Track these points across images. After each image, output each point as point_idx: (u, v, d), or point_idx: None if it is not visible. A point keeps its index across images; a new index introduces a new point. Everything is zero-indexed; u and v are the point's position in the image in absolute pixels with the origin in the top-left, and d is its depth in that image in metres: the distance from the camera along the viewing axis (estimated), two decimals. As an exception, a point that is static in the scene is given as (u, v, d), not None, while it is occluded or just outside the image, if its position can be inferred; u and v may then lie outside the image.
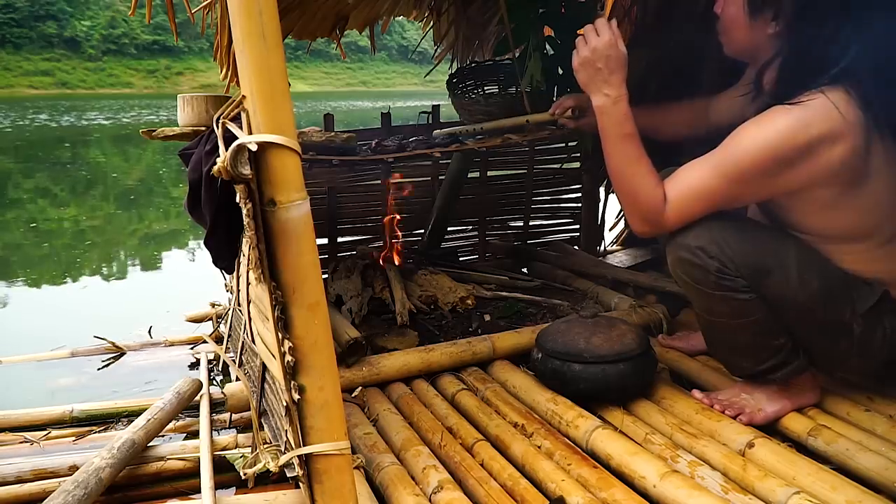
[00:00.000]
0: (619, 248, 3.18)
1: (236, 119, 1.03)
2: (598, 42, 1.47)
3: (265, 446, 1.30)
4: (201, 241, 1.49)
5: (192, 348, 2.36)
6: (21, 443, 1.69)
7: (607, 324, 1.69)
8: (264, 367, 1.36)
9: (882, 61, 1.32)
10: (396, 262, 2.50)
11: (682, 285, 1.51)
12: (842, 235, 1.42)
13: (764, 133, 1.32)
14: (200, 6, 1.69)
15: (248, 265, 1.11)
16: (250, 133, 0.96)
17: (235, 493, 1.47)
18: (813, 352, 1.52)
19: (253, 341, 1.47)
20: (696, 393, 1.63)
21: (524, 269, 2.81)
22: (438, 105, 2.67)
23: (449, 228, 2.90)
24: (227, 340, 2.08)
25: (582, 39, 1.50)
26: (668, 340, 1.94)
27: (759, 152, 1.32)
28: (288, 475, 1.19)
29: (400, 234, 2.63)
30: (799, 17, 1.38)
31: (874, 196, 1.38)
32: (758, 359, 1.51)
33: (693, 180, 1.41)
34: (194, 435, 1.69)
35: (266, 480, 1.44)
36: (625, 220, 1.49)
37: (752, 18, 1.43)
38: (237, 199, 0.96)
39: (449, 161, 2.73)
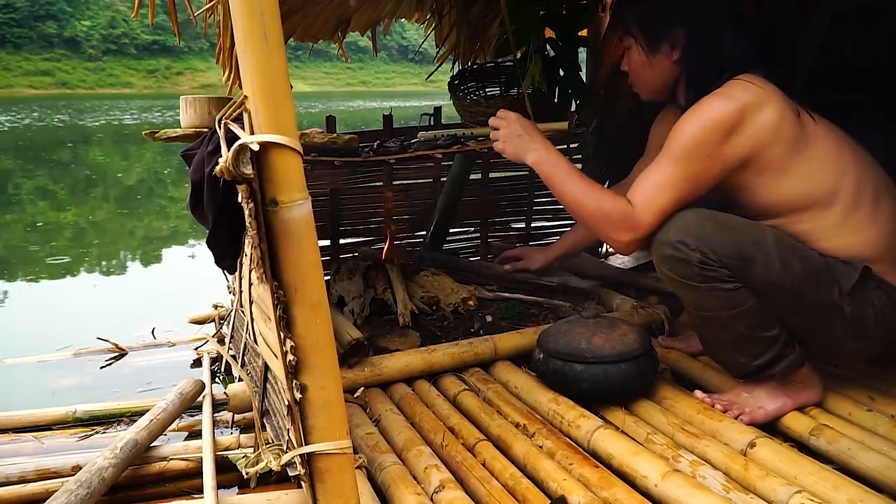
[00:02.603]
0: (620, 248, 3.17)
1: (238, 120, 1.03)
2: (509, 118, 1.67)
3: (267, 446, 1.30)
4: (204, 242, 1.50)
5: (194, 349, 2.37)
6: (24, 443, 1.69)
7: (609, 324, 1.69)
8: (266, 367, 1.37)
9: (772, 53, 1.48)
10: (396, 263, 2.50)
11: (670, 283, 1.53)
12: (803, 203, 1.48)
13: (698, 115, 1.46)
14: (203, 9, 1.70)
15: (249, 265, 1.12)
16: (252, 133, 0.97)
17: (238, 493, 1.47)
18: (810, 341, 1.53)
19: (255, 341, 1.48)
20: (698, 393, 1.63)
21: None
22: (440, 106, 2.67)
23: (451, 230, 2.90)
24: (230, 341, 2.08)
25: (495, 126, 1.70)
26: (669, 341, 1.95)
27: (700, 129, 1.45)
28: (290, 474, 1.20)
29: (395, 228, 2.63)
30: (691, 36, 1.56)
31: (821, 159, 1.48)
32: (753, 353, 1.51)
33: (650, 175, 1.51)
34: (197, 435, 1.69)
35: (268, 480, 1.45)
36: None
37: (652, 55, 1.62)
38: (239, 199, 0.97)
39: (451, 162, 2.74)
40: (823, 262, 1.47)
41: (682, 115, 1.50)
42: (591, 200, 1.55)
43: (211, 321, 2.57)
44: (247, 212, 0.97)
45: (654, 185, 1.49)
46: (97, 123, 16.17)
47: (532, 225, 3.04)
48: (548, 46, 2.37)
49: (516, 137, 1.65)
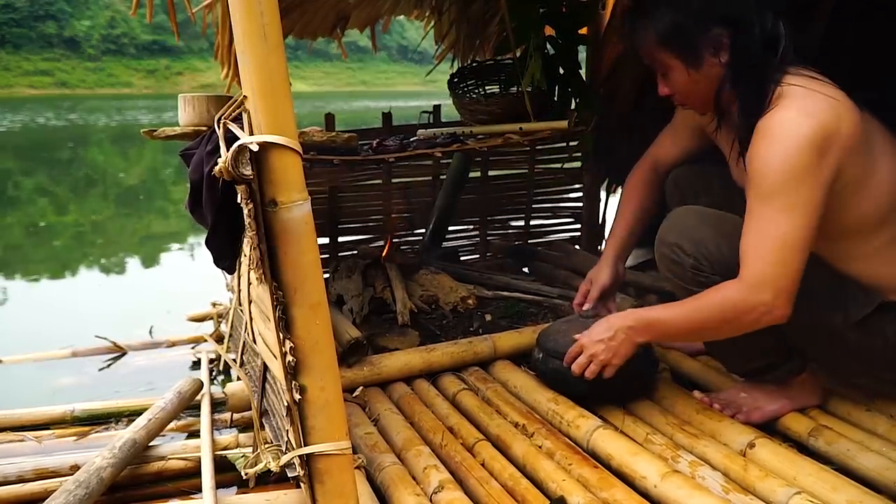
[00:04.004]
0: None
1: (237, 119, 1.03)
2: (583, 342, 1.53)
3: (266, 446, 1.30)
4: (202, 241, 1.49)
5: (193, 348, 2.36)
6: (23, 442, 1.69)
7: (608, 324, 1.69)
8: (265, 367, 1.37)
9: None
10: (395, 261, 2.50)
11: (667, 281, 1.54)
12: (855, 228, 1.36)
13: (782, 140, 1.26)
14: (201, 6, 1.69)
15: (249, 265, 1.11)
16: (251, 133, 0.96)
17: (236, 493, 1.47)
18: (811, 355, 1.52)
19: (254, 341, 1.47)
20: (696, 393, 1.63)
21: (525, 269, 2.81)
22: (440, 105, 2.67)
23: (450, 228, 2.90)
24: (229, 340, 2.08)
25: (582, 363, 1.53)
26: (669, 340, 1.94)
27: (792, 155, 1.25)
28: (289, 475, 1.20)
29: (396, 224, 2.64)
30: (735, 37, 1.36)
31: (883, 180, 1.34)
32: (747, 356, 1.52)
33: (765, 237, 1.27)
34: (195, 434, 1.69)
35: (267, 480, 1.44)
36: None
37: (696, 68, 1.41)
38: (238, 200, 0.97)
39: (450, 161, 2.73)
40: (834, 285, 1.39)
41: (759, 144, 1.29)
42: (706, 309, 1.34)
43: (210, 319, 2.57)
44: (246, 212, 0.97)
45: (775, 244, 1.26)
46: (113, 123, 16.17)
47: (531, 223, 3.04)
48: (548, 44, 2.37)
49: (610, 343, 1.47)
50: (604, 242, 3.01)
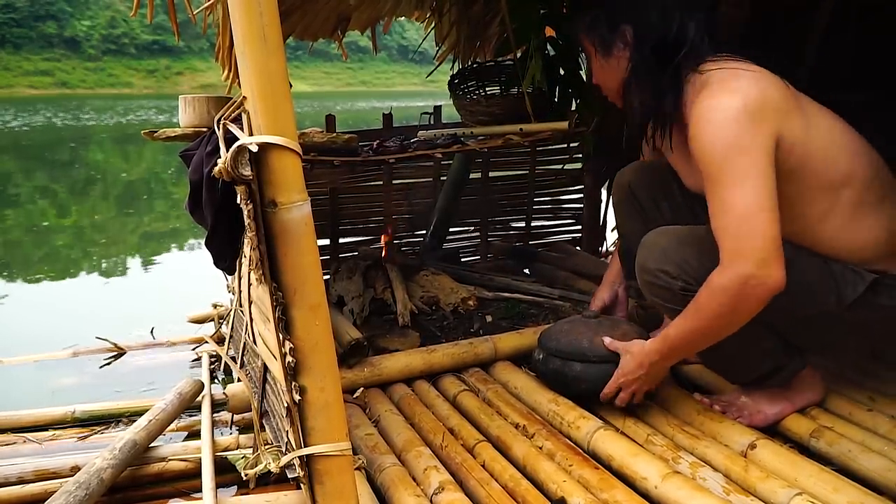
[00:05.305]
0: (620, 248, 3.17)
1: (237, 120, 1.03)
2: (622, 383, 1.54)
3: (266, 447, 1.30)
4: (202, 242, 1.49)
5: (193, 349, 2.36)
6: (23, 443, 1.69)
7: (610, 324, 1.68)
8: (266, 368, 1.36)
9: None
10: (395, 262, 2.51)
11: (656, 306, 1.52)
12: (818, 190, 1.37)
13: (709, 120, 1.30)
14: (202, 7, 1.70)
15: (249, 266, 1.11)
16: (251, 134, 0.96)
17: (237, 494, 1.47)
18: (808, 345, 1.51)
19: (254, 342, 1.47)
20: (697, 395, 1.62)
21: (526, 270, 2.81)
22: (440, 105, 2.67)
23: (451, 229, 2.90)
24: (229, 341, 2.08)
25: (625, 397, 1.55)
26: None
27: (723, 129, 1.28)
28: (289, 476, 1.19)
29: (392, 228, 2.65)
30: (635, 35, 1.44)
31: (833, 137, 1.37)
32: (750, 366, 1.51)
33: (727, 214, 1.29)
34: (196, 435, 1.69)
35: (267, 481, 1.44)
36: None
37: (605, 58, 1.51)
38: (238, 201, 0.97)
39: (451, 162, 2.73)
40: (822, 272, 1.39)
41: (695, 131, 1.33)
42: (705, 308, 1.33)
43: (210, 320, 2.56)
44: (246, 213, 0.97)
45: (742, 213, 1.26)
46: (123, 121, 16.22)
47: (532, 224, 3.04)
48: (548, 45, 2.37)
49: (645, 376, 1.51)
50: (604, 245, 3.03)
